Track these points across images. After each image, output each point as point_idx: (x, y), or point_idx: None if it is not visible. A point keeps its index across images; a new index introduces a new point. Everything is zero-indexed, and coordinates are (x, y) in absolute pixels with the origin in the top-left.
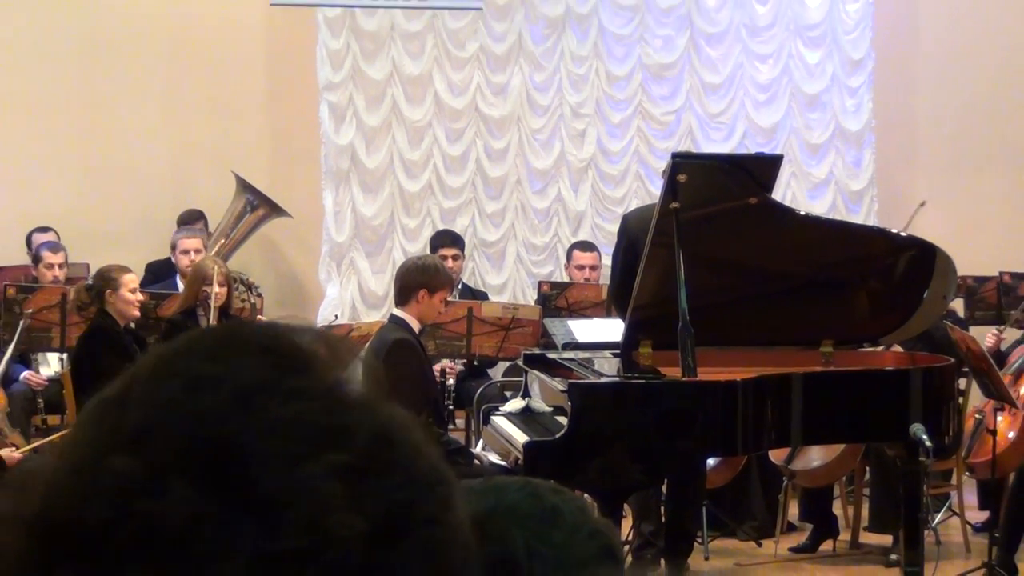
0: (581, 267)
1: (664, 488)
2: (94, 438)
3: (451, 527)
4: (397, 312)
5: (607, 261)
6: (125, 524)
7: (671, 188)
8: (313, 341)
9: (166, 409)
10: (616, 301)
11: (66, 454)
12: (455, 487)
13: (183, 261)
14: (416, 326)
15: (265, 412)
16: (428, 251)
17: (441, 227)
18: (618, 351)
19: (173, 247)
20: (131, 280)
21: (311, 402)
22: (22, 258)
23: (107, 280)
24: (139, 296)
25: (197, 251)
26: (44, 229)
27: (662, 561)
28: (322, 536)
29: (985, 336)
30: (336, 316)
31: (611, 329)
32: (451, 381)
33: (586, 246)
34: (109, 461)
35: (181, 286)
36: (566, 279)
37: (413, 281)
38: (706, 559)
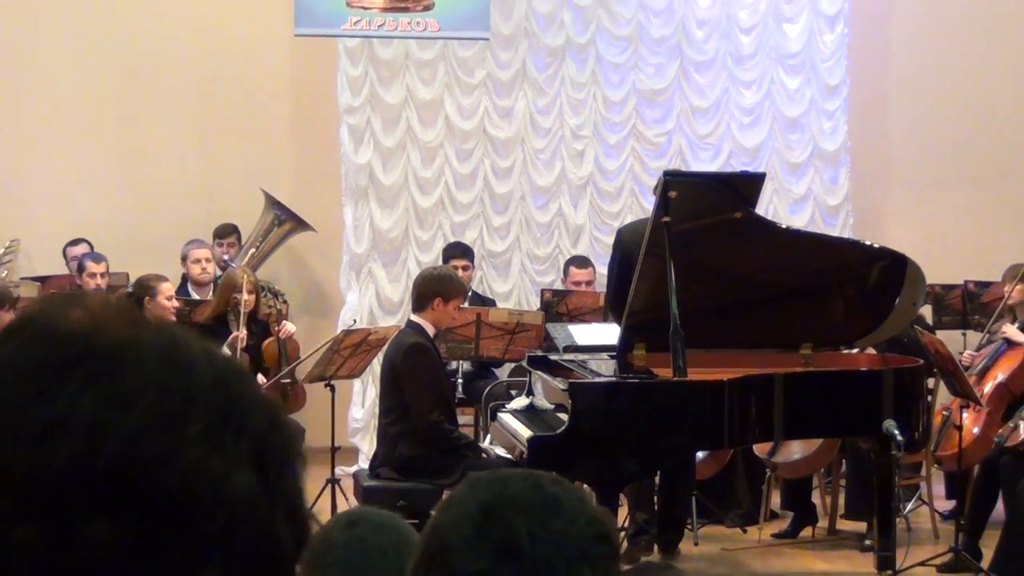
0: (577, 283)
1: (657, 479)
2: None
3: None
4: (414, 318)
5: (603, 270)
6: None
7: (663, 203)
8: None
9: None
10: (611, 308)
11: None
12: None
13: (194, 270)
14: (431, 331)
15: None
16: (441, 262)
17: (452, 239)
18: (614, 353)
19: (184, 258)
20: (167, 288)
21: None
22: (64, 268)
23: (145, 288)
24: (175, 303)
25: (207, 260)
26: (76, 241)
27: (655, 547)
28: (231, 505)
29: (962, 356)
30: (355, 321)
31: (608, 333)
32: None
33: (581, 262)
34: None
35: (192, 293)
36: (564, 286)
37: (429, 290)
38: (695, 544)
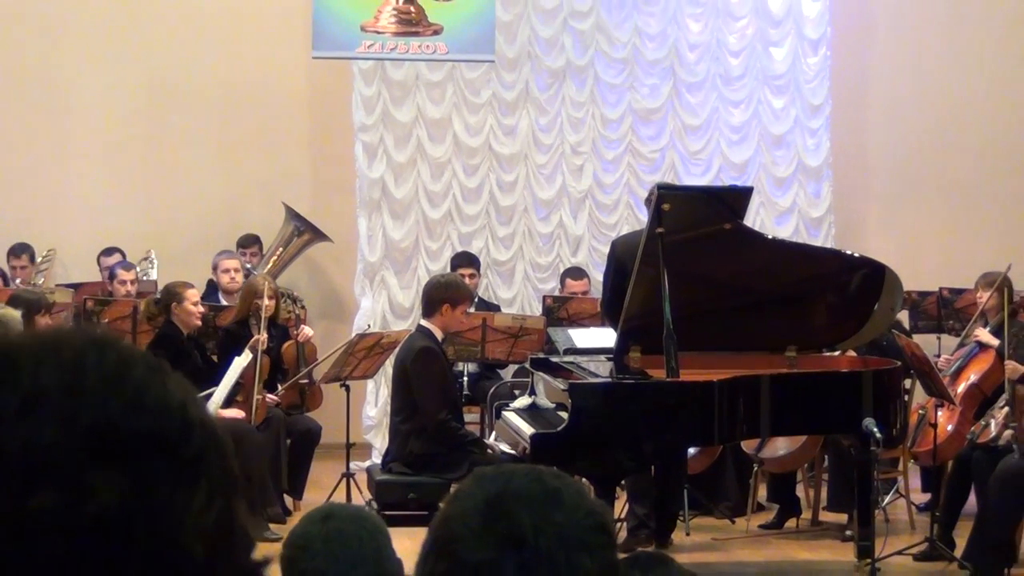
0: (573, 293)
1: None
2: None
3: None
4: (423, 323)
5: (599, 276)
6: None
7: (656, 215)
8: None
9: None
10: (607, 313)
11: None
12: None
13: (223, 279)
14: (440, 335)
15: None
16: (449, 270)
17: (460, 249)
18: (611, 356)
19: (215, 267)
20: (193, 295)
21: None
22: (97, 276)
23: (173, 294)
24: (200, 308)
25: (236, 270)
26: (110, 251)
27: (654, 541)
28: (199, 429)
29: (937, 359)
30: (369, 325)
31: (605, 337)
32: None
33: (576, 274)
34: None
35: (222, 299)
36: (564, 293)
37: (438, 296)
38: (687, 535)
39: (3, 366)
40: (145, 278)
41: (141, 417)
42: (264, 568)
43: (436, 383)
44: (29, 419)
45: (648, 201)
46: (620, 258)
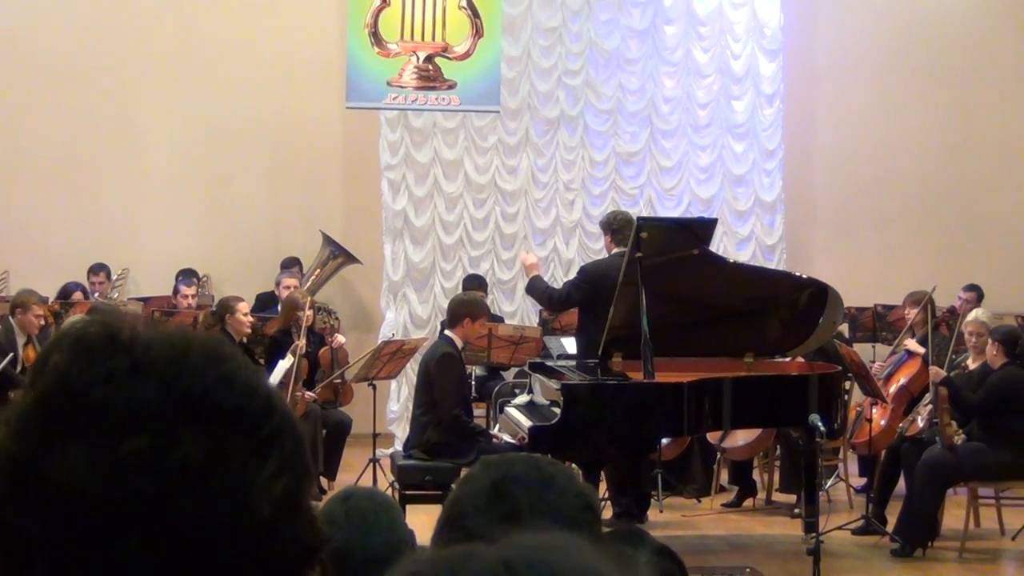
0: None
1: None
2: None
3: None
4: (447, 332)
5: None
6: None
7: (636, 243)
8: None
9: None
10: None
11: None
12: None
13: (284, 293)
14: (460, 344)
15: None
16: (461, 288)
17: (470, 271)
18: (597, 361)
19: (277, 284)
20: (244, 307)
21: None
22: (162, 291)
23: (226, 307)
24: (250, 319)
25: (296, 287)
26: (188, 272)
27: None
28: (277, 414)
29: (873, 364)
30: (392, 334)
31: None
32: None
33: None
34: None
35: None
36: None
37: (461, 311)
38: (660, 512)
39: (124, 336)
40: (116, 296)
41: (230, 394)
42: (324, 548)
43: (453, 384)
44: (137, 378)
45: (611, 227)
46: (591, 278)
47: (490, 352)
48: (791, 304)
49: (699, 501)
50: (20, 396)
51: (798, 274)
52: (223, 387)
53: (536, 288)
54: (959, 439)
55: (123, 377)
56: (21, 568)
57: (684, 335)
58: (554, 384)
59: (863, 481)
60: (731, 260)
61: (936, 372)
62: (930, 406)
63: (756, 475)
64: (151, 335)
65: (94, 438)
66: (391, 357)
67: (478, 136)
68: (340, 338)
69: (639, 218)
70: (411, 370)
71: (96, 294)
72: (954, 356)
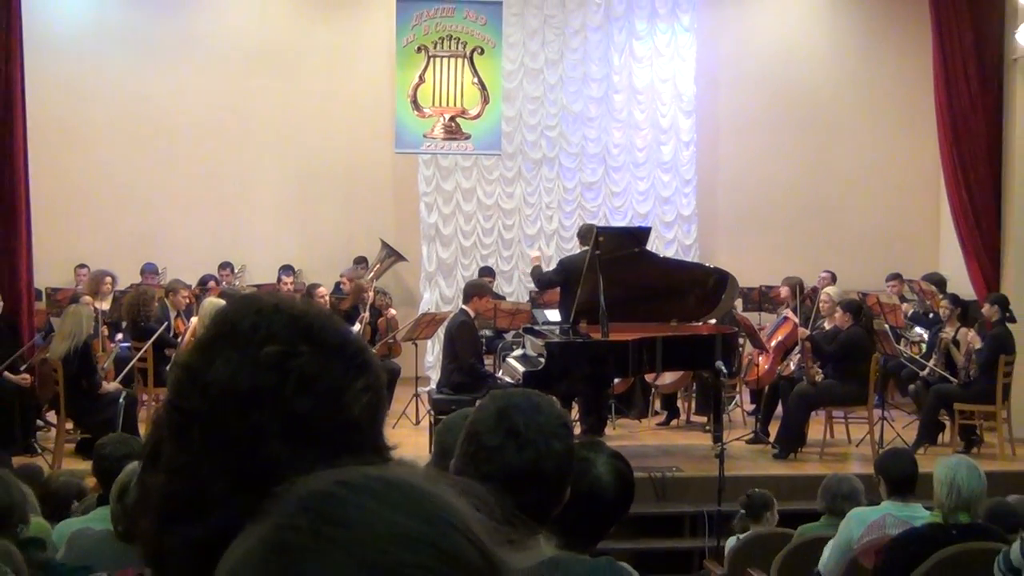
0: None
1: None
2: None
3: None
4: (463, 306)
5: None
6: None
7: (595, 244)
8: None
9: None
10: (561, 296)
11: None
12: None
13: (345, 283)
14: (473, 314)
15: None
16: (477, 276)
17: (482, 265)
18: (570, 326)
19: (342, 275)
20: (323, 291)
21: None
22: (269, 281)
23: (310, 292)
24: (327, 299)
25: (350, 280)
26: (287, 267)
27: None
28: (366, 350)
29: (760, 326)
30: (429, 309)
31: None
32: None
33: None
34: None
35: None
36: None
37: (472, 292)
38: (613, 429)
39: (256, 297)
40: (237, 283)
41: (335, 334)
42: (392, 451)
43: (469, 342)
44: (276, 314)
45: (582, 234)
46: (566, 268)
47: (496, 320)
48: (703, 286)
49: (640, 422)
50: (200, 331)
51: (708, 265)
52: (331, 329)
53: (535, 273)
54: (819, 377)
55: (267, 312)
56: (183, 434)
57: (629, 308)
58: (540, 342)
59: (753, 407)
60: (661, 256)
61: (803, 331)
62: (799, 355)
63: (680, 403)
64: (288, 298)
65: (243, 348)
66: (428, 324)
67: (486, 171)
68: (392, 311)
69: (597, 228)
70: (441, 333)
71: (223, 282)
72: (816, 320)
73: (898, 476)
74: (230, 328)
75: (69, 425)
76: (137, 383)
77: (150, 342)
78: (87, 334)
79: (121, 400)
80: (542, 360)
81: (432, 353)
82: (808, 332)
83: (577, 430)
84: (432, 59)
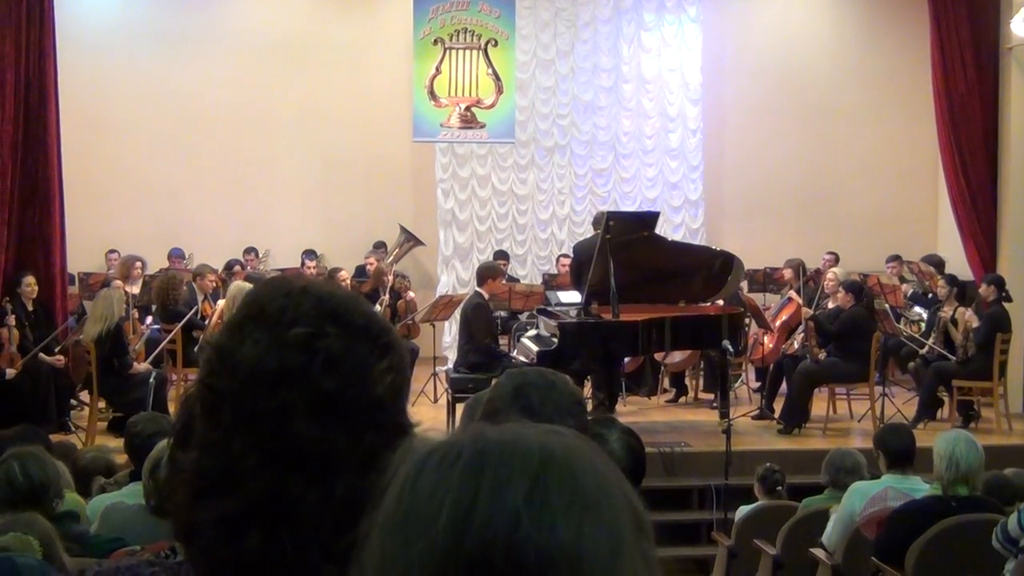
0: (565, 265)
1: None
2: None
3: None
4: (478, 289)
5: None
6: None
7: (606, 229)
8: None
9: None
10: (575, 284)
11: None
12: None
13: (368, 265)
14: (487, 296)
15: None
16: (492, 259)
17: (497, 248)
18: (583, 306)
19: (366, 258)
20: (344, 275)
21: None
22: (293, 265)
23: (331, 275)
24: (348, 283)
25: (373, 263)
26: (310, 252)
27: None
28: (390, 330)
29: (765, 307)
30: (446, 292)
31: (577, 296)
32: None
33: (566, 257)
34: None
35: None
36: (556, 272)
37: (486, 274)
38: (624, 405)
39: (285, 279)
40: (262, 267)
41: (361, 315)
42: (413, 428)
43: (484, 323)
44: (303, 296)
45: (595, 222)
46: (579, 253)
47: (511, 301)
48: (709, 268)
49: (650, 399)
50: (230, 313)
51: (714, 248)
52: (357, 310)
53: None
54: (822, 355)
55: (295, 295)
56: (214, 412)
57: (639, 289)
58: (553, 322)
59: (758, 384)
60: (669, 240)
61: (806, 311)
62: (803, 334)
63: (688, 381)
64: (315, 281)
65: (272, 329)
66: (445, 306)
67: (500, 159)
68: (411, 294)
69: (608, 213)
70: (457, 315)
71: (249, 267)
72: (820, 300)
73: (896, 450)
74: (259, 310)
75: (102, 404)
76: (167, 364)
77: (180, 325)
78: (118, 317)
79: (151, 380)
80: (555, 340)
81: (449, 334)
82: (811, 312)
83: (590, 407)
84: (448, 51)
